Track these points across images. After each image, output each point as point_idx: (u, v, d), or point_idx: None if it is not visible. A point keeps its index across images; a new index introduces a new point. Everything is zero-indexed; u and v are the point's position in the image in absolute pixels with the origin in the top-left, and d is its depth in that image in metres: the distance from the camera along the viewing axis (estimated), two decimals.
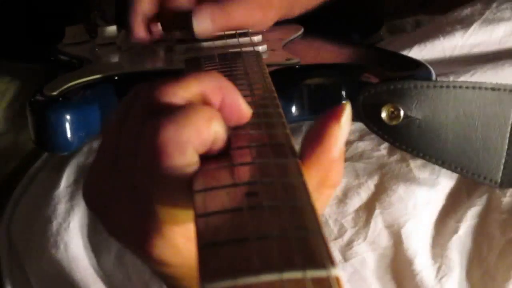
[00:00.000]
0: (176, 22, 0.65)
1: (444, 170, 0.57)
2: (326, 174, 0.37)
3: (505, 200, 0.55)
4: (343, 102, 0.37)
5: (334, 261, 0.27)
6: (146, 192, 0.36)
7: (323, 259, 0.27)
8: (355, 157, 0.59)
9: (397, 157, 0.59)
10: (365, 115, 0.55)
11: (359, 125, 0.60)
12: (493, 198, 0.55)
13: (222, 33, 0.63)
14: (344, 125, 0.36)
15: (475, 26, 0.63)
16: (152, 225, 0.37)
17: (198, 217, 0.31)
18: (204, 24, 0.61)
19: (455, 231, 0.56)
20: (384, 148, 0.59)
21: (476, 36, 0.63)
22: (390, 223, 0.57)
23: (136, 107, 0.38)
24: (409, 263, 0.56)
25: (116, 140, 0.39)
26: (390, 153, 0.59)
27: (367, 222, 0.57)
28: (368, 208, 0.58)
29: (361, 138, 0.60)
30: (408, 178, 0.58)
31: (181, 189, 0.35)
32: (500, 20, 0.63)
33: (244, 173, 0.34)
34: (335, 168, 0.37)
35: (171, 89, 0.36)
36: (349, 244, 0.57)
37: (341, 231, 0.58)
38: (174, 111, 0.35)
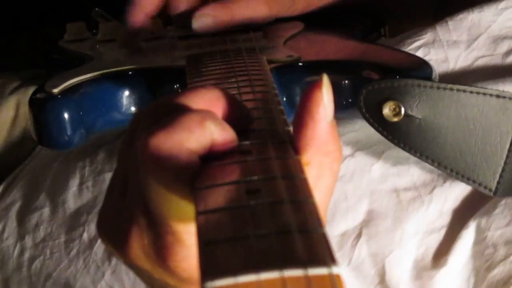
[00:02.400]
0: (177, 17, 0.65)
1: (434, 203, 0.56)
2: (323, 149, 0.37)
3: (489, 234, 0.54)
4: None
5: (335, 259, 0.27)
6: (155, 205, 0.36)
7: (325, 257, 0.27)
8: (345, 178, 0.58)
9: (388, 186, 0.58)
10: (366, 110, 0.54)
11: (351, 138, 0.60)
12: (479, 232, 0.55)
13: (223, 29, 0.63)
14: (327, 92, 0.36)
15: (479, 40, 0.63)
16: (172, 238, 0.36)
17: (199, 214, 0.31)
18: (204, 22, 0.61)
19: (442, 264, 0.54)
20: (375, 169, 0.58)
21: (480, 50, 0.62)
22: (374, 251, 0.56)
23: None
24: None
25: (122, 171, 0.39)
26: (381, 177, 0.58)
27: (352, 247, 0.56)
28: (354, 234, 0.57)
29: (352, 154, 0.59)
30: (397, 209, 0.57)
31: (186, 192, 0.34)
32: (505, 37, 0.63)
33: (245, 171, 0.34)
34: (331, 141, 0.37)
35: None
36: None
37: None
38: (162, 120, 0.34)
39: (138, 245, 0.38)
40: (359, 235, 0.56)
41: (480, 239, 0.54)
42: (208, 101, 0.37)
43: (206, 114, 0.35)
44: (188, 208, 0.34)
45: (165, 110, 0.36)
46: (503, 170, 0.53)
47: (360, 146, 0.59)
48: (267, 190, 0.32)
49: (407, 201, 0.57)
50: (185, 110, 0.35)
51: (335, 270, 0.26)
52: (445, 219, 0.56)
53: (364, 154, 0.59)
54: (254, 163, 0.34)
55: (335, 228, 0.57)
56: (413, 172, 0.58)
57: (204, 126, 0.34)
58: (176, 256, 0.37)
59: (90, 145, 0.71)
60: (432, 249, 0.56)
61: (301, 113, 0.36)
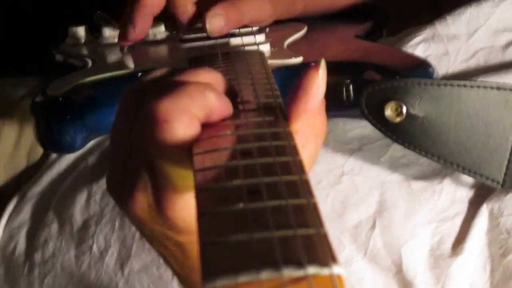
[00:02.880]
0: (186, 21, 0.65)
1: (445, 192, 0.56)
2: (311, 122, 0.41)
3: (502, 220, 0.54)
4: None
5: (336, 258, 0.27)
6: (159, 163, 0.40)
7: (325, 257, 0.27)
8: (355, 171, 0.59)
9: (398, 177, 0.58)
10: (368, 111, 0.54)
11: (357, 134, 0.60)
12: (492, 219, 0.55)
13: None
14: (322, 75, 0.41)
15: (478, 33, 0.63)
16: (171, 190, 0.41)
17: (196, 171, 0.33)
18: (217, 22, 0.61)
19: (459, 252, 0.54)
20: (384, 161, 0.59)
21: (480, 42, 0.62)
22: (389, 242, 0.56)
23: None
24: (409, 283, 0.55)
25: (128, 134, 0.42)
26: (391, 168, 0.58)
27: (367, 239, 0.57)
28: (368, 225, 0.57)
29: (360, 148, 0.59)
30: (409, 199, 0.57)
31: (186, 152, 0.37)
32: (504, 30, 0.63)
33: (246, 170, 0.34)
34: (318, 116, 0.41)
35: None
36: (348, 261, 0.56)
37: (340, 247, 0.56)
38: (169, 89, 0.39)
39: (142, 198, 0.42)
40: (373, 226, 0.57)
41: (493, 226, 0.54)
42: (208, 76, 0.42)
43: (205, 85, 0.40)
44: (187, 165, 0.38)
45: (170, 82, 0.41)
46: (509, 162, 0.53)
47: (366, 141, 0.60)
48: (268, 190, 0.32)
49: (418, 190, 0.57)
50: (187, 82, 0.40)
51: (335, 270, 0.26)
52: (458, 207, 0.56)
53: (372, 148, 0.59)
54: (253, 164, 0.35)
55: (348, 220, 0.57)
56: (422, 161, 0.58)
57: (204, 94, 0.38)
58: (174, 206, 0.41)
59: (98, 166, 0.71)
60: (448, 238, 0.56)
61: (297, 88, 0.41)
